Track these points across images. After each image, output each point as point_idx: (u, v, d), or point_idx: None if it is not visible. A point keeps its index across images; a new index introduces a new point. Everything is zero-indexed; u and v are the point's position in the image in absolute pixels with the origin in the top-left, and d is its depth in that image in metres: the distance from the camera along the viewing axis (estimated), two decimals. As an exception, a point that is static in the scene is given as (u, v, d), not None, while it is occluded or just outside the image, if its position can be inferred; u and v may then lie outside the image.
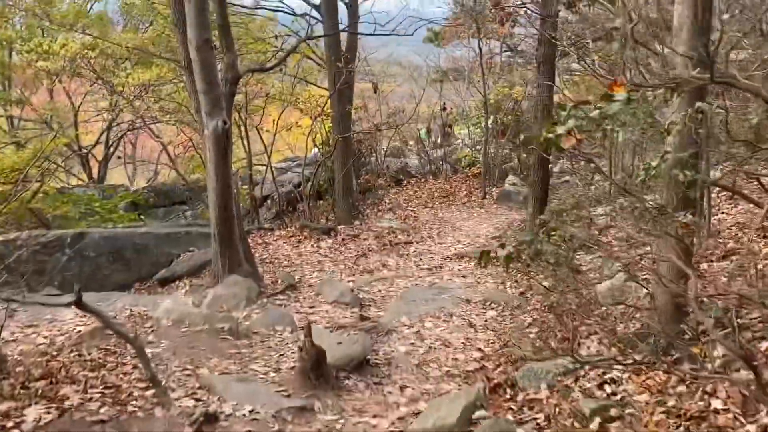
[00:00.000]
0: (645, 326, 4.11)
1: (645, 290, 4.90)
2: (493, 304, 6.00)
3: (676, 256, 3.58)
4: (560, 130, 2.44)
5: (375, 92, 12.53)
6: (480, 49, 15.06)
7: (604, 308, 5.01)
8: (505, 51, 20.32)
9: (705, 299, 3.67)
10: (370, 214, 13.18)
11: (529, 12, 8.62)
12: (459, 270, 8.58)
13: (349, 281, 7.94)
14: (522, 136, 16.99)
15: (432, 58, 21.77)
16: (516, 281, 7.12)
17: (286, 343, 5.00)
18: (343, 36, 12.33)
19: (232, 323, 5.27)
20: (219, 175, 6.54)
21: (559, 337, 4.57)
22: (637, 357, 3.62)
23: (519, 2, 8.85)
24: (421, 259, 9.55)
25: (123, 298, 7.13)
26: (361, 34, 12.15)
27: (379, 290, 7.30)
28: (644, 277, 4.67)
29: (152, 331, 5.18)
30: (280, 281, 7.66)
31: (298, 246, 10.28)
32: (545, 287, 5.75)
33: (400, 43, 17.48)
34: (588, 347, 4.27)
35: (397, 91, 19.58)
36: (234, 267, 6.95)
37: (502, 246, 3.13)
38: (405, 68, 17.21)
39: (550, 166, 8.68)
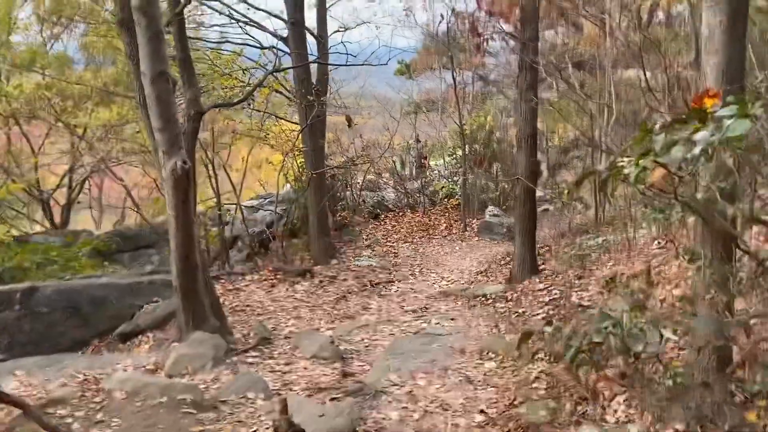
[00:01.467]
0: (680, 385, 3.53)
1: (673, 337, 4.34)
2: (490, 354, 5.39)
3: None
4: (662, 159, 1.80)
5: (349, 126, 12.02)
6: (454, 79, 14.71)
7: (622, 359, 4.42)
8: (478, 81, 20.13)
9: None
10: (347, 252, 12.55)
11: (507, 37, 8.21)
12: (446, 311, 7.97)
13: (328, 330, 7.26)
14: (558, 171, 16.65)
15: (405, 89, 21.50)
16: (511, 323, 6.54)
17: (259, 415, 4.31)
18: (314, 68, 11.86)
19: (195, 394, 4.56)
20: (180, 220, 5.88)
21: (576, 397, 3.97)
22: (679, 427, 3.03)
23: (495, 28, 8.45)
24: (404, 300, 8.93)
25: (76, 361, 6.38)
26: (332, 64, 11.70)
27: (362, 339, 6.65)
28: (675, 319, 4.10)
29: (102, 407, 4.46)
30: (252, 334, 6.96)
31: (271, 291, 9.58)
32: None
33: (371, 73, 17.12)
34: (615, 411, 3.67)
35: (370, 123, 19.15)
36: (199, 322, 6.25)
37: (549, 323, 2.52)
38: (378, 101, 16.77)
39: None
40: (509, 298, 7.62)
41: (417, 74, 22.73)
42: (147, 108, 5.88)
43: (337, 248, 12.46)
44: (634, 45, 7.22)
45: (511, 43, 22.32)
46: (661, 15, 13.44)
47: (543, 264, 8.75)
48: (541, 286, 7.57)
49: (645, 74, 3.82)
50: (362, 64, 10.41)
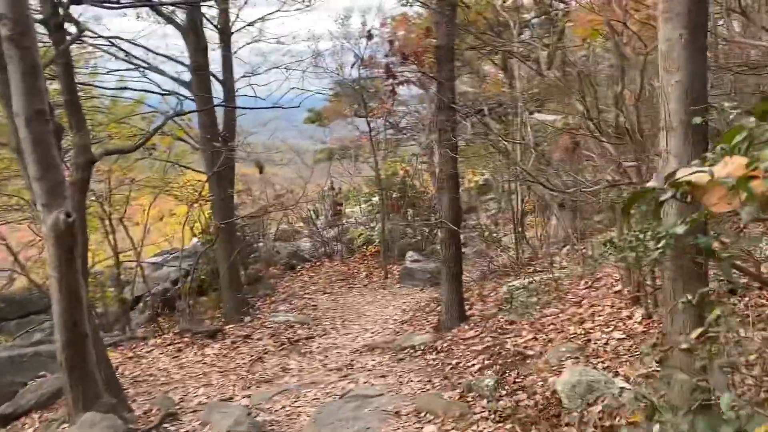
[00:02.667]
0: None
1: (620, 387, 3.98)
2: (428, 415, 4.85)
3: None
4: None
5: (260, 172, 11.41)
6: (368, 124, 14.48)
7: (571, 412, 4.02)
8: (389, 128, 20.11)
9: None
10: (262, 308, 11.74)
11: (423, 78, 7.98)
12: (374, 366, 7.38)
13: (244, 398, 6.49)
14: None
15: (317, 136, 21.18)
16: (446, 377, 6.04)
17: None
18: (220, 115, 11.24)
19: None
20: (64, 282, 5.04)
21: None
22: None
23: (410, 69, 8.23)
24: (327, 357, 8.27)
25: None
26: (238, 107, 11.12)
27: (284, 407, 5.93)
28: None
29: None
30: (155, 409, 6.08)
31: (177, 356, 8.65)
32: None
33: (281, 120, 16.64)
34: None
35: (283, 172, 18.58)
36: (91, 400, 5.34)
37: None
38: (289, 148, 16.28)
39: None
40: (439, 348, 7.14)
41: (328, 122, 22.52)
42: (23, 154, 5.07)
43: (250, 304, 11.63)
44: (554, 84, 7.16)
45: (420, 91, 22.72)
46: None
47: (470, 309, 8.39)
48: (472, 333, 7.16)
49: (586, 107, 3.58)
50: (272, 107, 9.91)
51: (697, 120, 2.48)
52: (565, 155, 12.11)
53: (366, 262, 14.55)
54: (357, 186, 18.95)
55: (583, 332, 5.44)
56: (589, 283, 7.47)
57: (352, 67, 13.31)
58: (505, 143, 9.32)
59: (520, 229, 10.65)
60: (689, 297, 2.45)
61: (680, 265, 2.56)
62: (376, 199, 17.73)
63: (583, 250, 11.25)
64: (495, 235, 11.58)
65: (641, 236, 2.57)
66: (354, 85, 18.64)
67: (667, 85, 2.56)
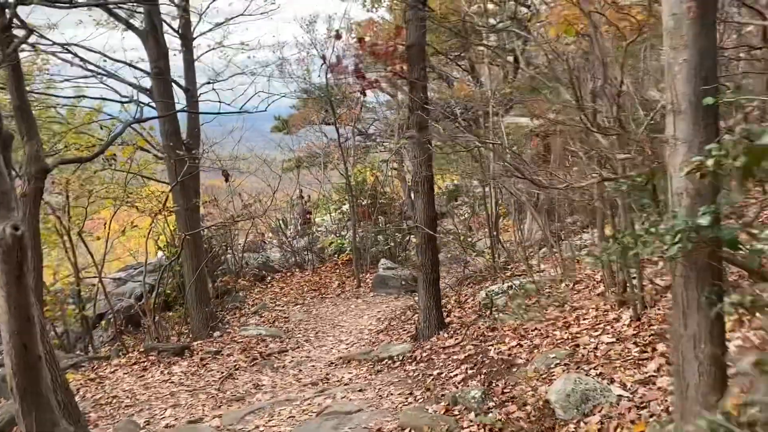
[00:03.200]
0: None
1: (617, 394, 3.75)
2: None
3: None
4: None
5: (226, 180, 11.01)
6: (337, 130, 14.21)
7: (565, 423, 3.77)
8: (357, 135, 19.85)
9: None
10: (232, 322, 11.32)
11: (395, 78, 7.72)
12: (351, 379, 7.06)
13: (214, 418, 6.10)
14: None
15: (284, 144, 20.79)
16: (428, 389, 5.76)
17: None
18: (184, 122, 10.85)
19: None
20: (13, 301, 4.61)
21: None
22: None
23: (379, 70, 7.99)
24: (301, 371, 7.93)
25: None
26: (203, 113, 10.74)
27: (257, 427, 5.57)
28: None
29: None
30: (118, 435, 5.67)
31: (143, 375, 8.19)
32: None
33: (248, 127, 16.23)
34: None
35: (250, 182, 18.16)
36: (46, 429, 4.91)
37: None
38: (257, 156, 15.87)
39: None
40: (419, 358, 6.86)
41: (295, 130, 22.15)
42: (-36, 163, 4.64)
43: (219, 318, 11.21)
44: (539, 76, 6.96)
45: (387, 97, 22.52)
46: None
47: (447, 316, 8.13)
48: (452, 341, 6.90)
49: (579, 93, 3.36)
50: (238, 113, 9.55)
51: (709, 100, 2.26)
52: (537, 156, 11.98)
53: (338, 271, 14.22)
54: (327, 194, 18.61)
55: (569, 337, 5.22)
56: (570, 285, 7.28)
57: (320, 70, 12.96)
58: (478, 145, 9.11)
59: (495, 232, 10.45)
60: (709, 294, 2.21)
61: (694, 261, 2.33)
62: (346, 206, 17.44)
63: (561, 253, 11.15)
64: (469, 239, 11.37)
65: (653, 230, 2.33)
66: (322, 91, 18.40)
67: (674, 65, 2.33)
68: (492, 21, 20.93)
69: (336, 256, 15.03)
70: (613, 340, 4.71)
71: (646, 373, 3.93)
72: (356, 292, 12.60)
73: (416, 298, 11.38)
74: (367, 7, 18.31)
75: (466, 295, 9.51)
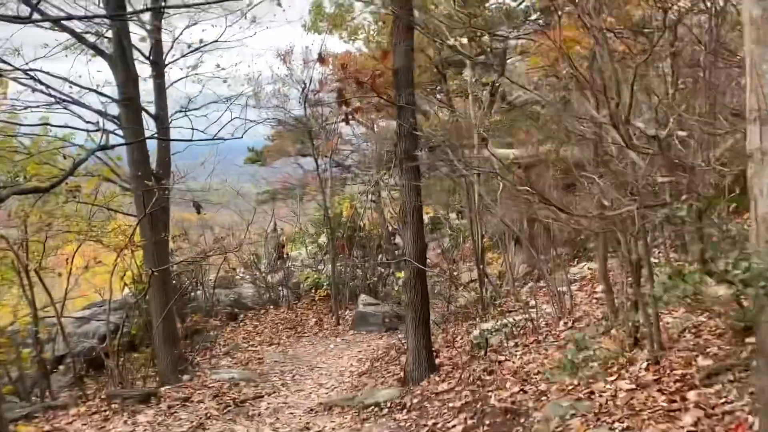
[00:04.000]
0: None
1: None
2: (414, 497, 3.98)
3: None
4: None
5: (198, 212, 10.41)
6: (316, 160, 13.75)
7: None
8: (334, 166, 19.43)
9: None
10: (202, 364, 10.61)
11: (381, 103, 7.30)
12: (334, 429, 6.44)
13: (182, 479, 5.43)
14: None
15: (259, 176, 20.29)
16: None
17: None
18: (154, 153, 10.27)
19: None
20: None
21: None
22: None
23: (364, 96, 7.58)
24: (278, 419, 7.27)
25: None
26: (174, 140, 10.20)
27: (231, 490, 4.92)
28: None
29: None
30: (70, 502, 4.95)
31: (104, 426, 7.42)
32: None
33: (220, 157, 15.67)
34: None
35: (222, 215, 17.55)
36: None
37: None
38: (230, 188, 15.27)
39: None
40: (410, 405, 6.28)
41: (270, 161, 21.66)
42: None
43: (189, 360, 10.48)
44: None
45: (362, 129, 22.20)
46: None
47: (437, 356, 7.58)
48: (445, 385, 6.35)
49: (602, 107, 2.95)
50: (212, 140, 9.01)
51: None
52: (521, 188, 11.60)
53: (315, 307, 13.60)
54: (303, 227, 18.05)
55: (581, 382, 4.72)
56: (569, 323, 6.82)
57: (299, 99, 12.54)
58: (464, 176, 8.71)
59: (482, 266, 9.99)
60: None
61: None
62: (323, 238, 16.88)
63: (554, 287, 10.72)
64: (455, 273, 10.90)
65: (735, 268, 1.86)
66: (299, 122, 17.97)
67: (761, 63, 1.89)
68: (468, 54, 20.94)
69: (312, 291, 14.41)
70: (633, 386, 4.23)
71: (683, 427, 3.45)
72: (335, 330, 11.99)
73: (399, 336, 10.84)
74: (344, 39, 18.12)
75: (454, 334, 8.99)
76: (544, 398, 4.82)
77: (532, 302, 7.92)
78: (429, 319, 7.05)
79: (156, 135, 9.84)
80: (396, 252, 18.58)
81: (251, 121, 9.93)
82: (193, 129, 9.40)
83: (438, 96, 16.71)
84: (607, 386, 4.38)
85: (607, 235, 5.41)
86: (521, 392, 5.17)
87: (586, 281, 9.30)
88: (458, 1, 15.89)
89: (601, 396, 4.28)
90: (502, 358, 6.37)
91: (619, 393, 4.20)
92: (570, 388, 4.71)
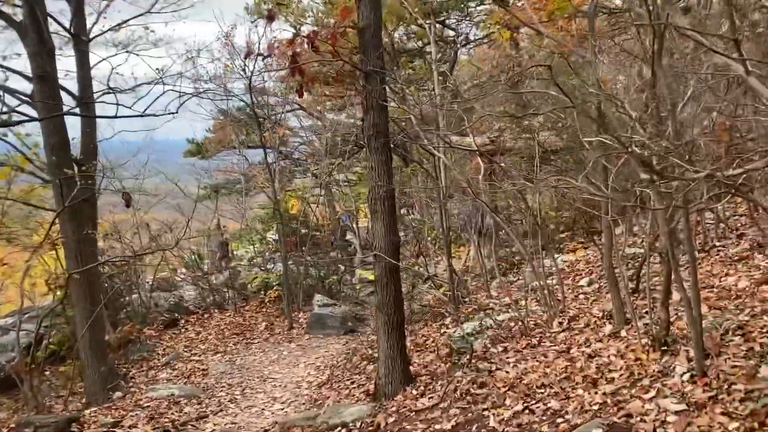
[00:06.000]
0: None
1: None
2: None
3: None
4: None
5: (127, 205, 9.11)
6: (265, 150, 12.58)
7: None
8: (282, 159, 18.26)
9: None
10: (138, 377, 9.34)
11: (345, 66, 6.23)
12: (294, 458, 5.39)
13: None
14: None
15: (199, 169, 18.88)
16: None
17: None
18: (76, 140, 8.95)
19: None
20: None
21: None
22: None
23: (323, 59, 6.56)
24: (226, 445, 6.16)
25: None
26: (98, 117, 8.90)
27: None
28: None
29: None
30: None
31: (11, 465, 6.16)
32: None
33: (157, 149, 14.28)
34: None
35: (159, 211, 16.10)
36: None
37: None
38: (168, 180, 13.86)
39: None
40: (384, 426, 5.28)
41: (211, 154, 20.29)
42: None
43: (121, 374, 9.21)
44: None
45: (308, 121, 21.04)
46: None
47: (410, 364, 6.61)
48: (426, 401, 5.37)
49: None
50: (140, 116, 7.77)
51: None
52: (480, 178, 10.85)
53: (265, 310, 12.45)
54: (249, 223, 16.80)
55: (606, 400, 3.83)
56: (565, 323, 5.97)
57: (244, 79, 11.31)
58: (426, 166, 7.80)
59: (450, 261, 9.08)
60: None
61: None
62: (271, 233, 15.73)
63: (519, 281, 9.93)
64: (419, 268, 9.98)
65: None
66: (242, 112, 16.72)
67: None
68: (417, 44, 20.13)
69: (262, 292, 13.23)
70: (684, 406, 3.35)
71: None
72: (288, 334, 10.87)
73: (361, 339, 9.85)
74: (291, 22, 16.97)
75: (424, 336, 8.05)
76: (559, 419, 3.91)
77: (521, 300, 7.05)
78: (404, 323, 6.07)
79: (72, 110, 8.50)
80: (348, 249, 17.63)
81: (185, 93, 8.68)
82: (117, 104, 8.10)
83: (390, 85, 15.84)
84: (648, 406, 3.50)
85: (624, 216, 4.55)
86: (527, 411, 4.25)
87: (564, 274, 8.53)
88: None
89: (643, 420, 3.39)
90: (492, 366, 5.45)
91: (667, 416, 3.32)
92: (594, 407, 3.81)
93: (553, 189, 9.40)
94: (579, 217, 10.70)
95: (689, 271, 3.74)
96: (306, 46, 5.92)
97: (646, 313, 5.21)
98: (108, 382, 8.57)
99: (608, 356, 4.60)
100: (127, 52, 10.51)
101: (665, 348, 4.15)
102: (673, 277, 3.98)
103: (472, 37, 19.78)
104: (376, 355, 6.79)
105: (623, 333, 5.03)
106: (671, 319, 4.45)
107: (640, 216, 6.82)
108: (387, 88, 5.59)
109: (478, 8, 18.21)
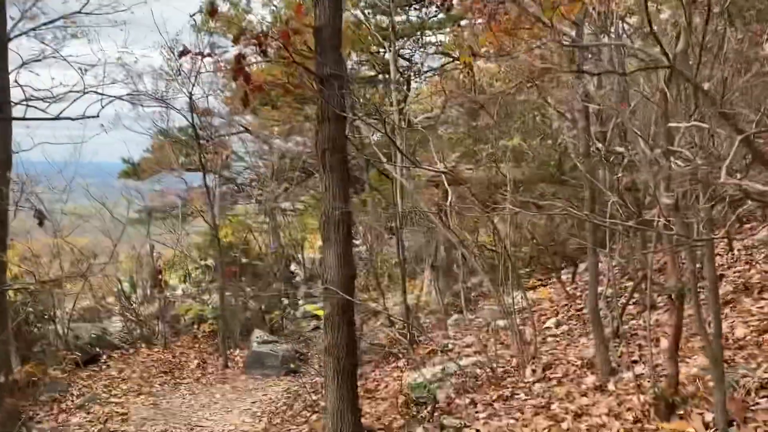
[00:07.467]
0: None
1: None
2: None
3: None
4: None
5: (40, 224, 8.03)
6: (204, 174, 11.64)
7: None
8: (223, 183, 17.29)
9: None
10: (45, 422, 8.14)
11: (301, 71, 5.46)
12: None
13: None
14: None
15: (131, 191, 17.57)
16: None
17: None
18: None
19: None
20: None
21: None
22: None
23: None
24: None
25: None
26: (13, 119, 7.82)
27: None
28: None
29: None
30: None
31: None
32: None
33: (90, 172, 13.09)
34: None
35: (84, 238, 14.81)
36: None
37: None
38: (94, 199, 12.62)
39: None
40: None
41: (148, 175, 19.06)
42: None
43: (27, 418, 7.99)
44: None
45: (254, 146, 20.22)
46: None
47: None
48: (382, 463, 4.56)
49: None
50: (58, 118, 6.79)
51: None
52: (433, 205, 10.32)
53: (198, 346, 11.36)
54: (184, 250, 15.63)
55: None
56: (537, 371, 5.28)
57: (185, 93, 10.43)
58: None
59: (405, 296, 8.35)
60: None
61: None
62: (208, 262, 14.66)
63: (477, 320, 9.27)
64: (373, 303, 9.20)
65: None
66: (184, 132, 15.73)
67: None
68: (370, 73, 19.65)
69: (195, 326, 12.12)
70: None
71: None
72: (222, 374, 9.83)
73: (304, 381, 8.93)
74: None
75: (375, 381, 7.24)
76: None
77: (486, 341, 6.35)
78: (356, 369, 5.25)
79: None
80: (293, 281, 16.68)
81: (106, 95, 7.74)
82: (27, 104, 7.07)
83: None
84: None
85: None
86: (508, 483, 3.50)
87: (526, 314, 7.91)
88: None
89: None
90: (458, 422, 4.69)
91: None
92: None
93: (513, 219, 8.90)
94: (540, 252, 10.19)
95: (709, 317, 3.12)
96: (252, 47, 5.18)
97: (635, 362, 4.60)
98: (5, 427, 7.39)
99: (599, 415, 3.92)
100: (53, 57, 9.43)
101: (673, 410, 3.49)
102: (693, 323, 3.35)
103: (425, 68, 19.49)
104: (321, 403, 5.95)
105: (611, 386, 4.38)
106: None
107: (618, 249, 6.27)
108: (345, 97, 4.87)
109: (432, 39, 17.93)
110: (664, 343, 4.73)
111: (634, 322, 5.75)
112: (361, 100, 10.60)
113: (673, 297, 3.38)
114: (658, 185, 2.80)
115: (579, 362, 5.13)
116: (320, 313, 7.12)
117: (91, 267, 11.17)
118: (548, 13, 4.31)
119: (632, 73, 3.51)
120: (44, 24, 8.89)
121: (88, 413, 8.44)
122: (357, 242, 12.76)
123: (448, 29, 16.11)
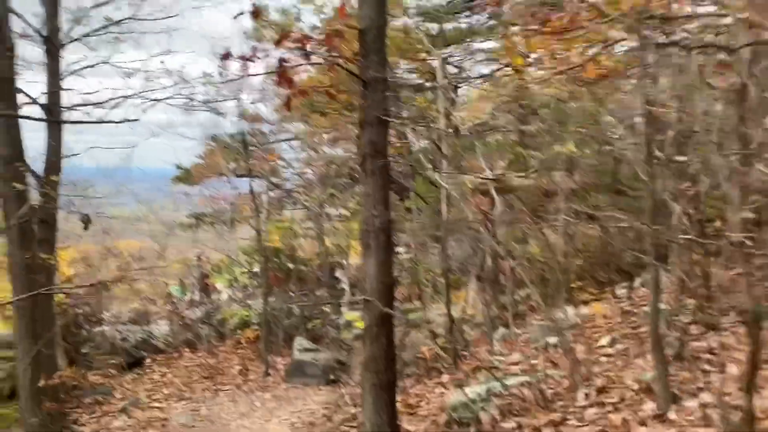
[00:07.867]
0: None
1: None
2: None
3: None
4: None
5: (85, 228, 8.10)
6: (251, 181, 11.69)
7: None
8: (271, 189, 17.36)
9: None
10: (88, 426, 8.18)
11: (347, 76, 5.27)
12: None
13: None
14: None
15: (184, 197, 17.84)
16: None
17: None
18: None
19: None
20: None
21: None
22: None
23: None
24: None
25: None
26: (46, 120, 7.92)
27: None
28: None
29: None
30: None
31: None
32: None
33: (147, 178, 13.32)
34: None
35: (135, 242, 15.08)
36: None
37: None
38: (143, 204, 12.82)
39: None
40: None
41: (199, 180, 19.32)
42: None
43: (70, 420, 8.06)
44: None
45: (301, 152, 20.26)
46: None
47: (399, 432, 5.53)
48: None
49: None
50: (99, 122, 6.79)
51: None
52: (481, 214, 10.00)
53: (240, 351, 11.29)
54: (233, 255, 15.72)
55: None
56: (589, 393, 4.91)
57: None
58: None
59: (450, 309, 8.03)
60: None
61: None
62: (257, 268, 14.68)
63: (525, 335, 8.88)
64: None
65: None
66: (234, 138, 15.87)
67: None
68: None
69: (240, 331, 12.09)
70: None
71: None
72: (263, 382, 9.70)
73: (344, 392, 8.71)
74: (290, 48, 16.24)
75: (417, 396, 6.96)
76: None
77: (534, 359, 5.99)
78: (395, 384, 4.99)
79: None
80: (338, 288, 16.55)
81: (153, 99, 7.74)
82: (76, 108, 7.10)
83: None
84: None
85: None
86: None
87: (578, 331, 7.48)
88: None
89: None
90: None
91: None
92: None
93: (564, 229, 8.50)
94: (592, 265, 9.72)
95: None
96: (296, 50, 5.01)
97: (699, 389, 4.19)
98: (53, 428, 7.45)
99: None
100: (105, 63, 9.55)
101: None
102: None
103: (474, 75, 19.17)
104: (360, 418, 5.70)
105: (672, 415, 3.99)
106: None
107: (679, 263, 5.82)
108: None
109: (482, 45, 17.57)
110: (731, 368, 4.31)
111: (696, 344, 5.30)
112: (408, 106, 10.37)
113: (748, 319, 3.00)
114: (733, 196, 2.45)
115: (636, 386, 4.73)
116: (360, 324, 6.91)
117: (139, 270, 11.31)
118: (610, 8, 3.99)
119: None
120: (95, 30, 9.00)
121: (130, 417, 8.45)
122: (400, 250, 12.54)
123: (498, 35, 15.77)
